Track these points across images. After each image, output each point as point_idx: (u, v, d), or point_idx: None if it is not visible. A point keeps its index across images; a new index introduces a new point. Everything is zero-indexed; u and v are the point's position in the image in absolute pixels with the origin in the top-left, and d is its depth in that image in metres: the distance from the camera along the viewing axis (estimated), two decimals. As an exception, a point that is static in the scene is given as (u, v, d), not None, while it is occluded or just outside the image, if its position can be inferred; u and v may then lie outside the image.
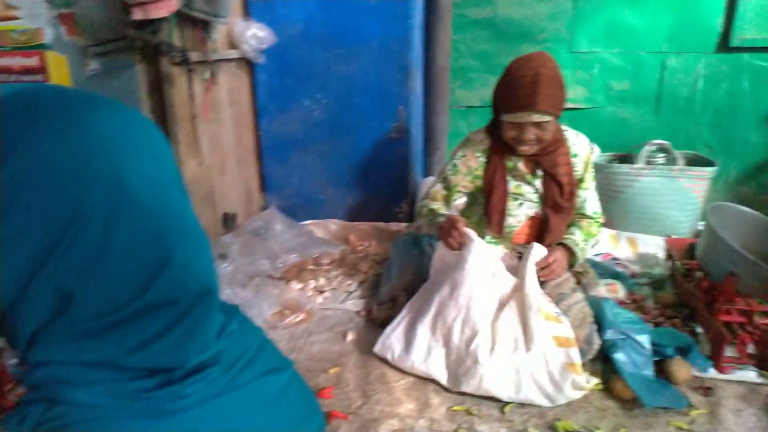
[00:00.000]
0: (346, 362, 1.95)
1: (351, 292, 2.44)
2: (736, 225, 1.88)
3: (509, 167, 2.04)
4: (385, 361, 1.90)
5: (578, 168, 2.04)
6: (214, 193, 2.59)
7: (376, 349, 1.92)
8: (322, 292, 2.44)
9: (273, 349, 0.77)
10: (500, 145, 2.01)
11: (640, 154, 2.71)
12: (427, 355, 1.82)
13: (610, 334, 1.79)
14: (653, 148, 2.75)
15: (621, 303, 2.17)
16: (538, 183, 2.04)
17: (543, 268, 1.89)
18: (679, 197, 2.65)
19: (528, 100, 1.78)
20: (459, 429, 1.61)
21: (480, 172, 2.07)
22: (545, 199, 2.03)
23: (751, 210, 1.89)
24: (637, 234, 2.72)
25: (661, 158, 2.76)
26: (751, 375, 1.77)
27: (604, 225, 2.81)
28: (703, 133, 3.03)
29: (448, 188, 2.14)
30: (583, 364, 1.77)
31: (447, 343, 1.81)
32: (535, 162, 2.02)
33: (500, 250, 2.06)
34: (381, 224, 2.85)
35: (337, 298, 2.39)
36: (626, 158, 2.93)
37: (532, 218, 2.09)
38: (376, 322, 2.18)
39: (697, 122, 3.01)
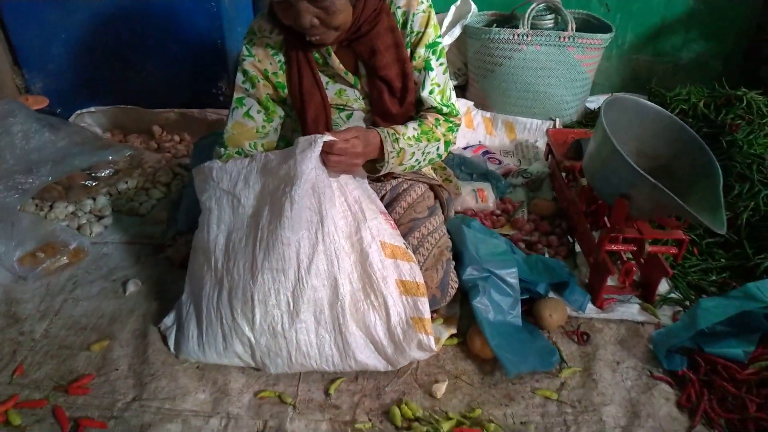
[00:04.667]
0: (119, 330, 1.41)
1: (143, 216, 1.79)
2: (631, 123, 1.41)
3: (319, 64, 1.37)
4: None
5: (411, 39, 1.36)
6: None
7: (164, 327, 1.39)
8: (100, 218, 1.77)
9: None
10: (297, 34, 1.29)
11: (524, 14, 2.12)
12: (226, 345, 1.27)
13: (469, 273, 1.41)
14: (541, 6, 2.17)
15: (490, 215, 1.75)
16: (363, 83, 1.39)
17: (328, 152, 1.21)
18: (568, 71, 2.15)
19: None
20: (266, 429, 1.16)
21: (282, 78, 1.38)
22: (372, 105, 1.40)
23: (654, 105, 1.41)
24: (516, 117, 2.24)
25: (549, 21, 2.19)
26: (633, 311, 1.46)
27: (480, 107, 2.31)
28: (599, -14, 2.46)
29: (265, 109, 1.39)
30: (436, 311, 1.39)
31: (251, 323, 1.26)
32: (352, 51, 1.35)
33: None
34: (194, 111, 2.14)
35: (123, 227, 1.74)
36: (508, 20, 2.33)
37: None
38: (174, 263, 1.60)
39: (593, -29, 2.43)
